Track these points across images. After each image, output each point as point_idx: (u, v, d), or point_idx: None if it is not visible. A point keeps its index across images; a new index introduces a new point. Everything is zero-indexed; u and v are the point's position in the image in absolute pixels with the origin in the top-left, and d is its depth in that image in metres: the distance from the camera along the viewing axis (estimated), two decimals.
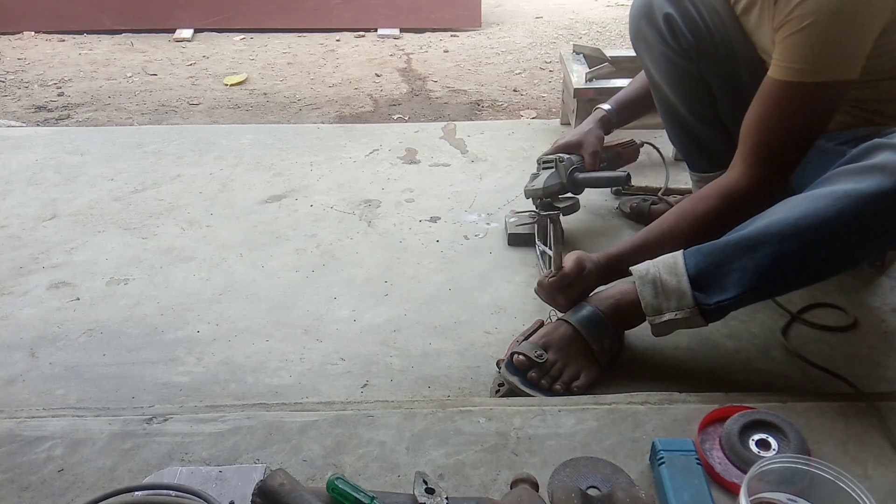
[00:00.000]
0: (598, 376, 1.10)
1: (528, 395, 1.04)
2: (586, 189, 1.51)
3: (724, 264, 1.01)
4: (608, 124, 1.57)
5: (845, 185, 0.92)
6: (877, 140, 0.94)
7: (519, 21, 3.78)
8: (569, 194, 1.49)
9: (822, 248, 0.94)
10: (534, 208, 1.54)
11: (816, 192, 0.95)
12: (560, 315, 1.15)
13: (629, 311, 1.10)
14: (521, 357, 1.06)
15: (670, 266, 1.05)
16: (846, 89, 1.02)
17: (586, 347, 1.09)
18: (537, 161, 1.56)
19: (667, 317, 1.05)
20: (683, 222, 1.13)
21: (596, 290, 1.17)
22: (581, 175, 1.47)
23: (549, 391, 1.05)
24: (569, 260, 1.16)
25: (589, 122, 1.56)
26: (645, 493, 0.83)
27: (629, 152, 1.71)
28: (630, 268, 1.11)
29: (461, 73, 2.95)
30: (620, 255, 1.16)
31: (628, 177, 1.42)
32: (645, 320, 1.08)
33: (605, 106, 1.57)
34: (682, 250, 1.07)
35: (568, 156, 1.48)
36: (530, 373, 1.06)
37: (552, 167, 1.49)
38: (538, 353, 1.07)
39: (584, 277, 1.15)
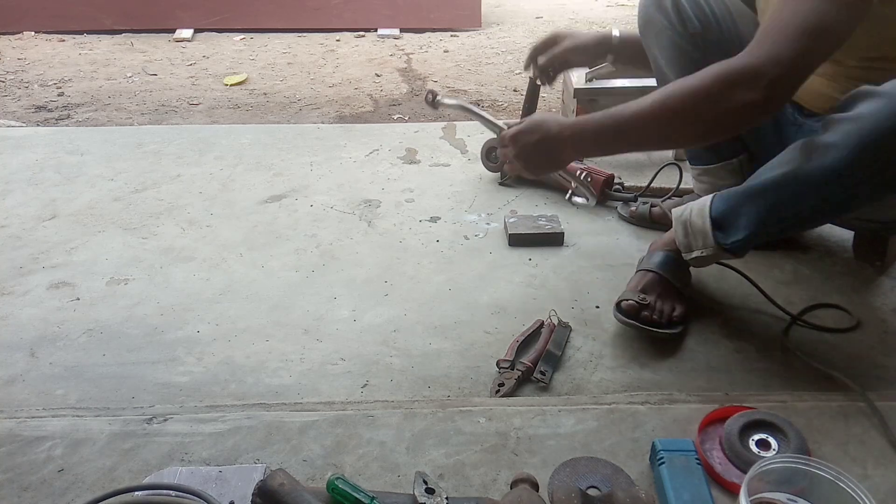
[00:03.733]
0: (688, 308, 1.23)
1: (647, 331, 1.17)
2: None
3: (736, 209, 1.11)
4: (606, 42, 1.46)
5: (828, 136, 0.97)
6: (864, 87, 0.96)
7: (519, 21, 3.78)
8: None
9: (810, 197, 1.02)
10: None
11: (809, 143, 1.00)
12: (638, 267, 1.27)
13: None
14: (630, 302, 1.19)
15: (700, 209, 1.17)
16: None
17: (671, 286, 1.23)
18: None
19: (695, 253, 1.18)
20: (668, 96, 1.01)
21: (664, 234, 1.29)
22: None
23: (657, 324, 1.18)
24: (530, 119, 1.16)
25: (588, 34, 1.47)
26: (645, 493, 0.83)
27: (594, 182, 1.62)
28: (671, 210, 1.24)
29: (461, 73, 2.95)
30: (591, 120, 1.09)
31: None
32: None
33: (615, 32, 1.47)
34: (712, 194, 1.16)
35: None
36: (643, 313, 1.18)
37: None
38: (641, 297, 1.19)
39: (550, 136, 1.10)
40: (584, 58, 1.51)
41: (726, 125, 1.00)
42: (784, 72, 0.94)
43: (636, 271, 1.27)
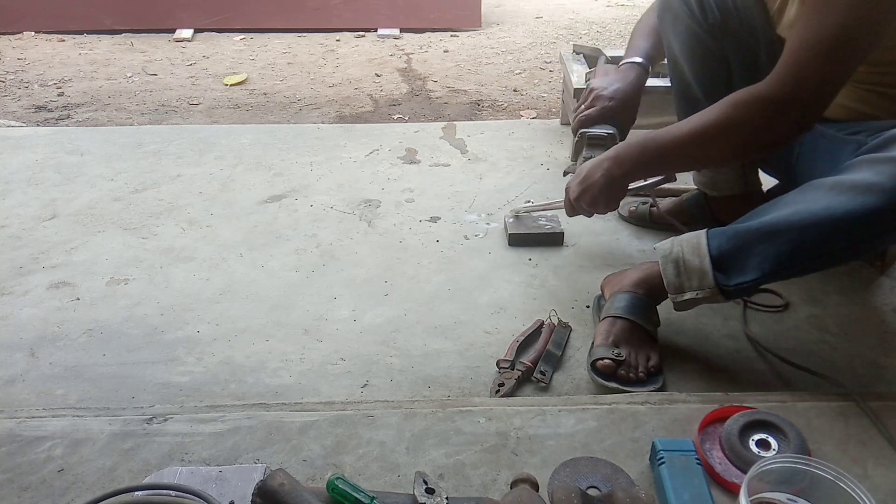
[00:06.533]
0: (661, 353, 1.14)
1: (627, 392, 1.06)
2: None
3: (745, 248, 1.03)
4: (643, 79, 1.42)
5: (865, 175, 0.92)
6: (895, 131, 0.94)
7: (519, 21, 3.78)
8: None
9: (841, 239, 0.95)
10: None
11: (839, 182, 0.95)
12: (604, 313, 1.17)
13: (657, 287, 1.14)
14: (605, 362, 1.09)
15: (694, 246, 1.08)
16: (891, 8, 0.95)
17: (644, 331, 1.14)
18: (573, 131, 1.41)
19: (688, 295, 1.09)
20: (703, 124, 1.06)
21: (621, 274, 1.22)
22: None
23: (636, 382, 1.09)
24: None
25: (626, 80, 1.41)
26: (645, 493, 0.83)
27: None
28: (654, 246, 1.15)
29: (461, 73, 2.95)
30: (632, 144, 1.15)
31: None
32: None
33: (637, 59, 1.42)
34: (705, 230, 1.09)
35: (611, 132, 1.36)
36: (619, 371, 1.09)
37: (603, 145, 1.34)
38: (616, 352, 1.10)
39: (594, 166, 1.17)
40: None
41: (760, 149, 1.01)
42: (812, 97, 0.98)
43: (602, 318, 1.17)
